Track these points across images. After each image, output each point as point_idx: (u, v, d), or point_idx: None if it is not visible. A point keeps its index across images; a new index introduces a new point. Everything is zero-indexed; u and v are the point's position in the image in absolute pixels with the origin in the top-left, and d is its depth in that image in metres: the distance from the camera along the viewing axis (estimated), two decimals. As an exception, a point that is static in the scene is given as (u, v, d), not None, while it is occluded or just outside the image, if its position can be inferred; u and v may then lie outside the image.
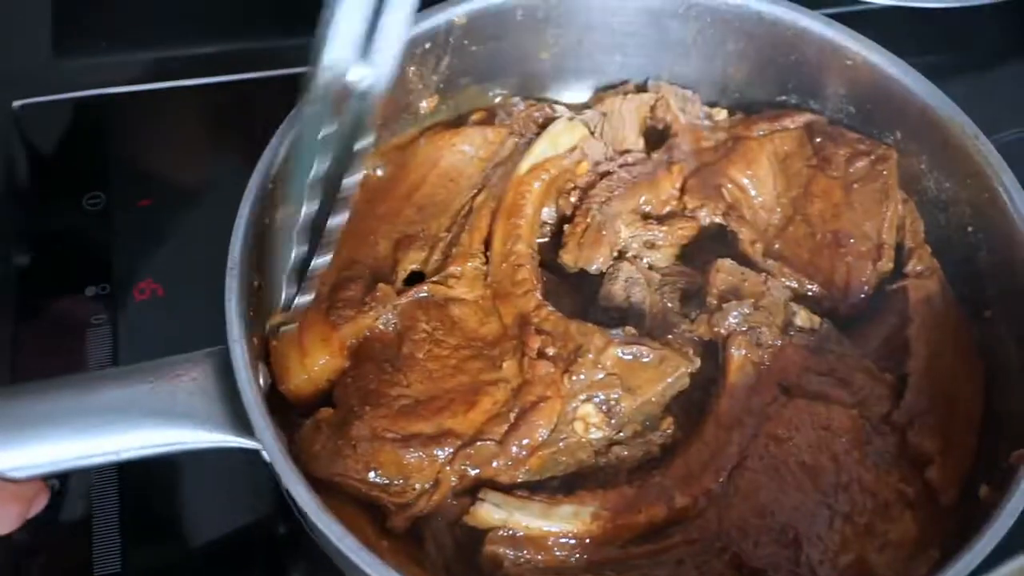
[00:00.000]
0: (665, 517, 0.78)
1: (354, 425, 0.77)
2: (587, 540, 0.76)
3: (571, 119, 0.92)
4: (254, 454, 0.81)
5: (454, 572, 0.77)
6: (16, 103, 1.09)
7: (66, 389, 0.73)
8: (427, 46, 0.90)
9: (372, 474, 0.76)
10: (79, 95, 1.10)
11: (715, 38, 0.96)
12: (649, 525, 0.77)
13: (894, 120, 0.92)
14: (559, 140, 0.91)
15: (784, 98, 0.98)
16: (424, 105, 0.94)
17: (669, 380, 0.79)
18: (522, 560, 0.75)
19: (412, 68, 0.91)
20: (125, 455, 0.72)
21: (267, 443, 0.71)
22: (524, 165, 0.89)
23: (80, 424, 0.71)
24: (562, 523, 0.76)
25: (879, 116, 0.93)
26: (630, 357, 0.79)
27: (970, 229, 0.89)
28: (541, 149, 0.90)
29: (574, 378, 0.79)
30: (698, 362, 0.81)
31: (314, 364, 0.80)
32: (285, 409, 0.80)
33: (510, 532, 0.76)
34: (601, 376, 0.79)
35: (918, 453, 0.82)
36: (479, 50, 0.94)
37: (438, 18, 0.90)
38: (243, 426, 0.72)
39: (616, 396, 0.78)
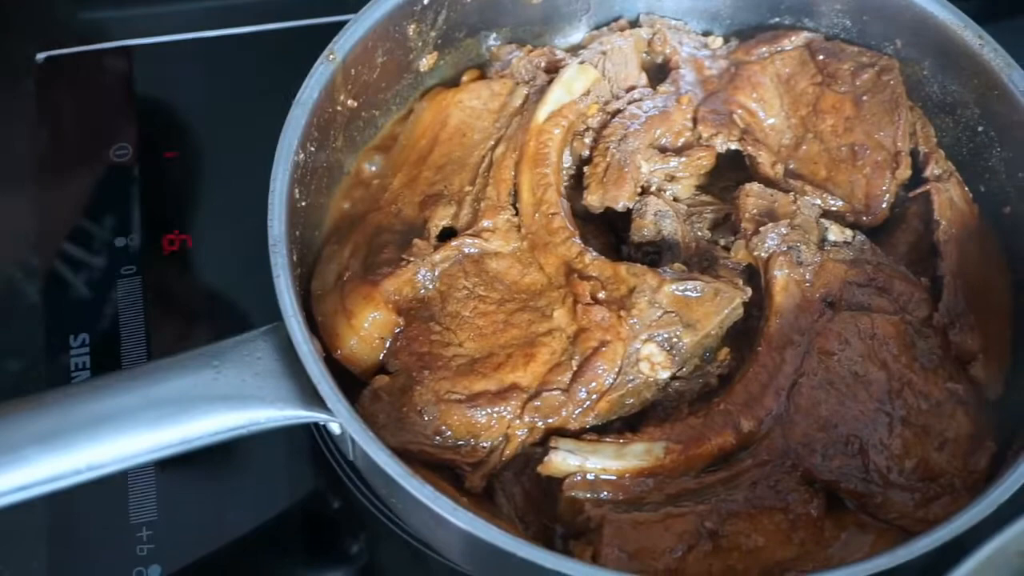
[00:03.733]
0: (734, 443, 0.78)
1: (415, 391, 0.76)
2: (661, 474, 0.77)
3: (582, 63, 0.91)
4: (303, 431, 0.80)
5: (527, 521, 0.77)
6: (40, 56, 1.07)
7: (130, 382, 0.71)
8: (425, 2, 0.89)
9: (441, 438, 0.76)
10: (102, 47, 1.08)
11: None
12: (719, 452, 0.78)
13: (893, 29, 0.93)
14: (573, 85, 0.90)
15: (777, 20, 0.98)
16: (424, 63, 0.93)
17: (726, 311, 0.80)
18: (601, 499, 0.75)
19: (412, 26, 0.89)
20: (199, 443, 0.70)
21: (341, 413, 0.70)
22: (541, 113, 0.88)
23: (151, 416, 0.69)
24: (635, 460, 0.76)
25: (877, 27, 0.94)
26: (684, 293, 0.79)
27: (980, 128, 0.90)
28: (556, 96, 0.89)
29: (632, 320, 0.78)
30: (749, 291, 0.81)
31: (362, 323, 0.79)
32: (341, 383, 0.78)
33: (586, 476, 0.75)
34: (659, 315, 0.79)
35: (961, 351, 0.83)
36: (472, 2, 0.92)
37: (434, -29, 0.88)
38: (313, 400, 0.71)
39: (678, 333, 0.78)
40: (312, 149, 0.81)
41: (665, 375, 0.78)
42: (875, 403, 0.80)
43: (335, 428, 0.73)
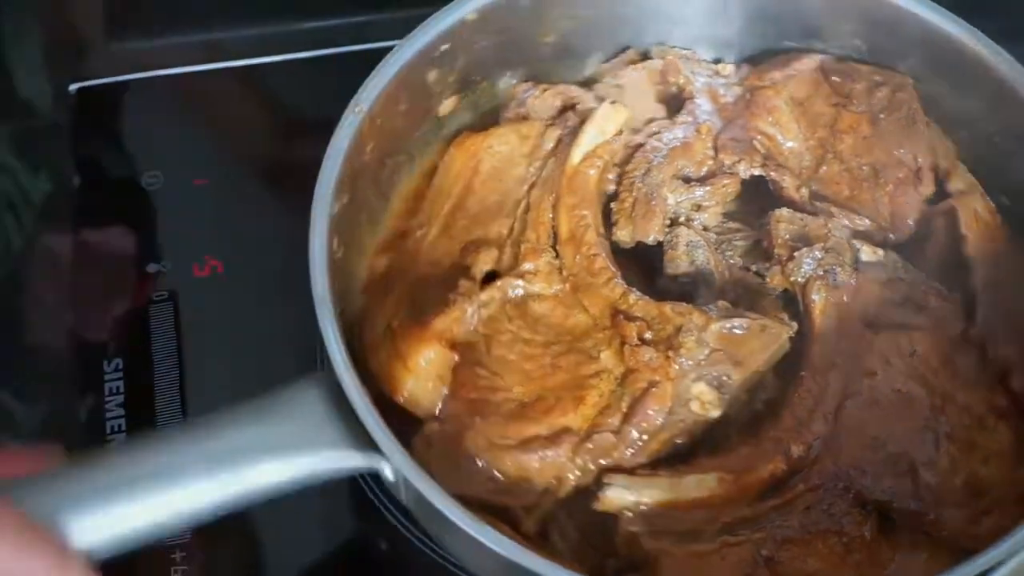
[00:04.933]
0: (785, 469, 0.78)
1: (467, 436, 0.77)
2: (716, 504, 0.77)
3: (613, 103, 0.92)
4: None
5: (583, 558, 0.77)
6: (73, 86, 1.09)
7: (188, 438, 0.71)
8: (444, 48, 0.89)
9: (495, 483, 0.76)
10: (133, 77, 1.10)
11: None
12: (771, 479, 0.78)
13: (905, 47, 0.94)
14: (606, 126, 0.90)
15: (787, 43, 0.99)
16: (444, 107, 0.93)
17: (774, 348, 0.80)
18: (658, 532, 0.75)
19: (432, 72, 0.89)
20: (260, 496, 0.70)
21: (396, 458, 0.70)
22: (576, 155, 0.89)
23: (212, 470, 0.69)
24: (690, 492, 0.76)
25: (889, 46, 0.95)
26: (731, 331, 0.80)
27: (997, 140, 0.91)
28: (590, 137, 0.90)
29: (681, 359, 0.78)
30: (795, 325, 0.82)
31: (418, 363, 0.79)
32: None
33: (641, 510, 0.75)
34: (707, 353, 0.79)
35: (999, 364, 0.84)
36: (487, 44, 0.92)
37: (452, 17, 0.88)
38: (364, 446, 0.72)
39: (727, 371, 0.79)
40: (345, 200, 0.82)
41: (716, 414, 0.78)
42: (920, 420, 0.80)
43: (388, 474, 0.73)
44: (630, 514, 0.75)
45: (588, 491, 0.77)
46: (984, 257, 0.87)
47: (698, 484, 0.77)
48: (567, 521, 0.77)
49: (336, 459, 0.72)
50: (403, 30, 0.87)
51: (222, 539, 0.86)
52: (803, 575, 0.75)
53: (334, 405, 0.73)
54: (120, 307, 0.97)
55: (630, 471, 0.77)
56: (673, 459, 0.79)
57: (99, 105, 1.09)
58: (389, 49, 0.85)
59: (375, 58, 0.85)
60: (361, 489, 0.88)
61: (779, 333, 0.80)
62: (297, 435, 0.72)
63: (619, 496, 0.75)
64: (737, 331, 0.80)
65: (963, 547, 0.76)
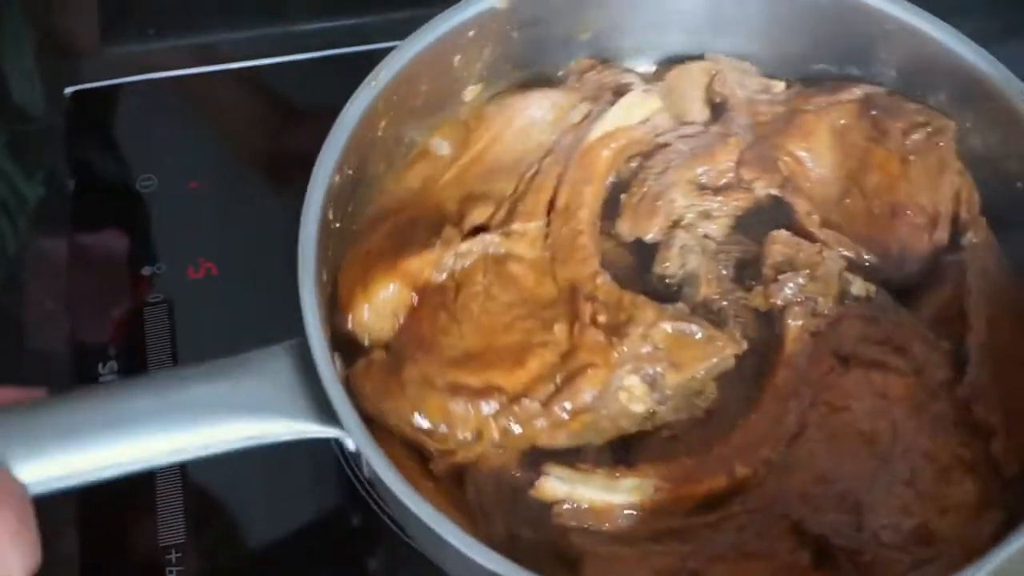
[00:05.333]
0: (726, 487, 0.79)
1: (405, 368, 0.80)
2: (649, 510, 0.78)
3: (646, 91, 0.93)
4: (323, 444, 0.84)
5: (491, 516, 0.79)
6: (68, 90, 1.12)
7: (153, 386, 0.75)
8: (471, 34, 0.91)
9: (418, 417, 0.79)
10: (129, 80, 1.13)
11: (756, 9, 0.97)
12: (710, 495, 0.79)
13: (937, 81, 0.92)
14: (633, 111, 0.92)
15: (823, 66, 0.98)
16: (468, 93, 0.95)
17: (714, 360, 0.81)
18: (587, 529, 0.77)
19: (457, 57, 0.92)
20: (215, 449, 0.74)
21: (353, 430, 0.73)
22: (595, 133, 0.91)
23: (171, 420, 0.73)
24: (625, 495, 0.78)
25: (921, 79, 0.93)
26: (679, 333, 0.81)
27: (1019, 184, 0.89)
28: (614, 118, 0.91)
29: (622, 348, 0.80)
30: (745, 344, 0.82)
31: (377, 294, 0.82)
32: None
33: (574, 505, 0.77)
34: (648, 349, 0.80)
35: (982, 427, 0.82)
36: (520, 35, 0.94)
37: (481, 4, 0.90)
38: (327, 416, 0.74)
39: (661, 371, 0.80)
40: (349, 172, 0.85)
41: (640, 408, 0.80)
42: (877, 461, 0.80)
43: (350, 445, 0.76)
44: (564, 507, 0.77)
45: (512, 466, 0.79)
46: (985, 316, 0.85)
47: (634, 488, 0.78)
48: (488, 480, 0.79)
49: (296, 425, 0.75)
50: (401, 32, 0.88)
51: (219, 540, 0.90)
52: (728, 595, 0.76)
53: (302, 372, 0.76)
54: (115, 310, 0.99)
55: (556, 453, 0.79)
56: (615, 461, 0.81)
57: (93, 108, 1.12)
58: (388, 51, 0.87)
59: (373, 60, 0.87)
60: (344, 469, 0.92)
61: (724, 347, 0.81)
62: (259, 397, 0.75)
63: (553, 486, 0.77)
64: (683, 335, 0.80)
65: (899, 593, 0.76)
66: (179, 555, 0.87)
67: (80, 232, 1.04)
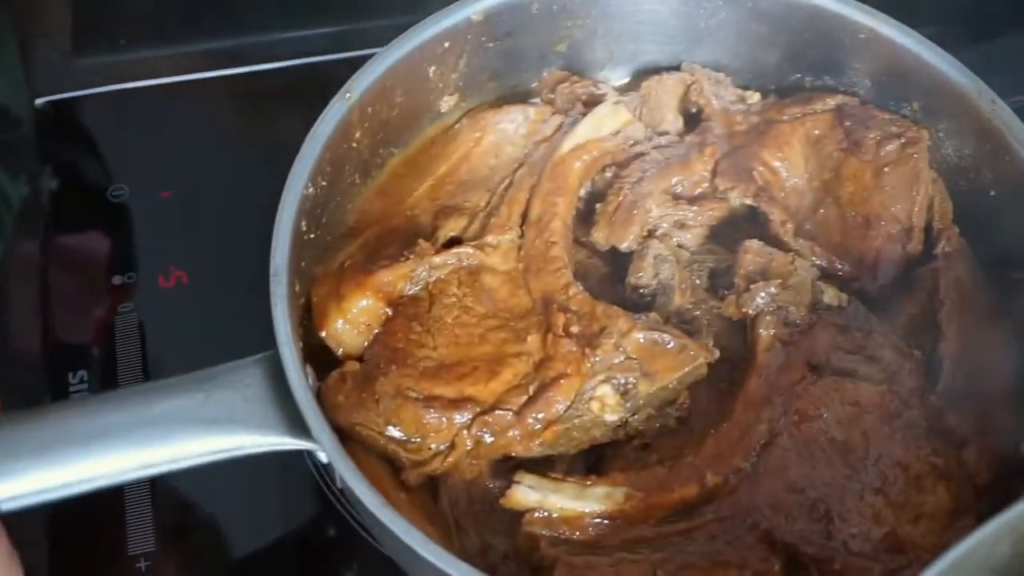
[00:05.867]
0: (697, 495, 0.79)
1: (378, 380, 0.80)
2: (620, 519, 0.78)
3: (616, 103, 0.94)
4: (297, 457, 0.84)
5: (465, 527, 0.80)
6: (39, 101, 1.13)
7: (123, 401, 0.76)
8: (446, 45, 0.92)
9: (391, 429, 0.79)
10: (99, 91, 1.14)
11: (729, 20, 0.98)
12: (681, 503, 0.79)
13: (910, 92, 0.93)
14: (603, 123, 0.93)
15: (799, 76, 0.99)
16: (444, 104, 0.96)
17: (687, 369, 0.81)
18: (558, 538, 0.77)
19: (432, 68, 0.93)
20: (185, 463, 0.74)
21: (324, 443, 0.73)
22: (567, 145, 0.91)
23: (141, 435, 0.73)
24: (596, 503, 0.78)
25: (895, 89, 0.94)
26: (651, 343, 0.81)
27: (992, 193, 0.89)
28: (584, 130, 0.92)
29: (594, 358, 0.80)
30: (717, 353, 0.83)
31: (351, 308, 0.83)
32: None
33: (545, 513, 0.78)
34: (621, 359, 0.81)
35: (955, 435, 0.82)
36: (496, 47, 0.95)
37: (456, 16, 0.91)
38: (299, 428, 0.75)
39: (633, 380, 0.80)
40: (324, 184, 0.85)
41: (613, 418, 0.80)
42: (849, 470, 0.80)
43: (322, 457, 0.76)
44: (535, 515, 0.78)
45: (484, 477, 0.80)
46: (957, 326, 0.86)
47: (605, 496, 0.78)
48: (461, 490, 0.80)
49: (267, 437, 0.75)
50: (376, 42, 0.89)
51: (189, 546, 0.90)
52: (698, 602, 0.76)
53: (274, 385, 0.76)
54: (85, 319, 1.00)
55: (530, 463, 0.79)
56: (587, 470, 0.81)
57: (65, 119, 1.13)
58: (363, 59, 0.88)
59: (349, 68, 0.87)
60: (315, 478, 0.92)
61: (696, 356, 0.81)
62: (232, 410, 0.75)
63: (524, 494, 0.78)
64: (656, 345, 0.81)
65: (871, 601, 0.76)
66: (148, 563, 0.88)
67: (51, 241, 1.05)
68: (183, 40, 1.18)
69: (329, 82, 0.86)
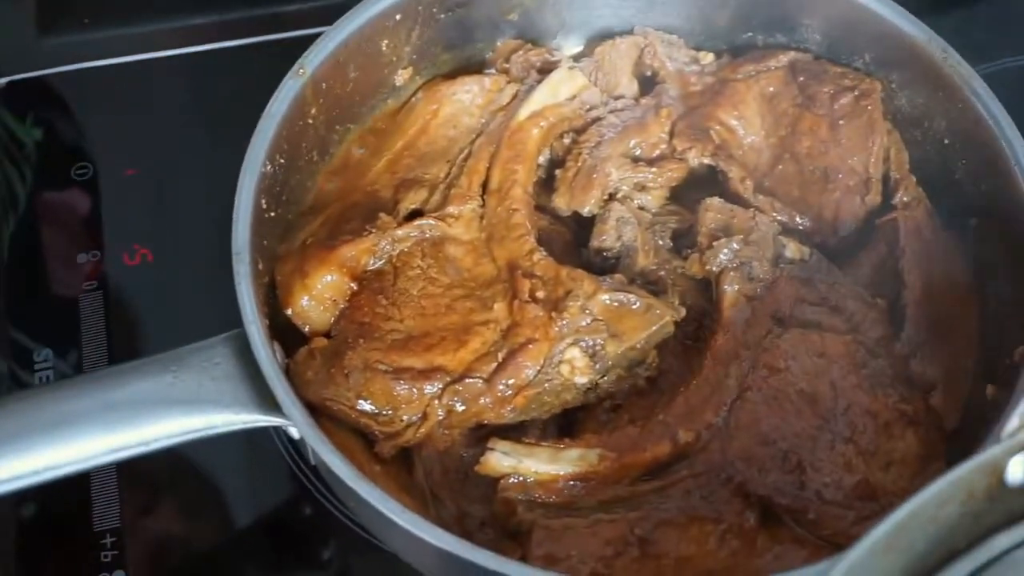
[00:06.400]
0: (670, 453, 0.80)
1: (347, 355, 0.80)
2: (595, 480, 0.78)
3: (571, 68, 0.94)
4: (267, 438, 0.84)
5: (441, 496, 0.80)
6: (2, 80, 1.12)
7: (90, 386, 0.75)
8: (397, 18, 0.91)
9: (362, 402, 0.79)
10: (64, 70, 1.13)
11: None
12: (655, 462, 0.80)
13: (861, 44, 0.94)
14: (559, 89, 0.93)
15: (750, 34, 0.99)
16: (400, 77, 0.96)
17: (653, 328, 0.81)
18: (534, 502, 0.77)
19: (385, 41, 0.92)
20: (155, 445, 0.73)
21: (296, 418, 0.73)
22: (523, 112, 0.91)
23: (109, 419, 0.73)
24: (570, 466, 0.78)
25: (846, 42, 0.95)
26: (617, 304, 0.81)
27: (947, 141, 0.90)
28: (540, 96, 0.92)
29: (561, 322, 0.80)
30: (683, 311, 0.83)
31: (315, 284, 0.83)
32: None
33: (520, 479, 0.78)
34: (588, 321, 0.81)
35: (921, 382, 0.84)
36: (448, 17, 0.95)
37: (405, -13, 0.91)
38: (269, 405, 0.74)
39: (601, 341, 0.80)
40: (282, 161, 0.85)
41: (583, 380, 0.80)
42: (818, 420, 0.81)
43: (294, 433, 0.76)
44: (510, 480, 0.78)
45: (458, 446, 0.80)
46: (919, 274, 0.86)
47: (579, 458, 0.79)
48: (435, 460, 0.80)
49: (238, 415, 0.75)
50: (332, 18, 0.88)
51: (149, 516, 0.89)
52: (675, 557, 0.76)
53: (242, 363, 0.76)
54: (50, 297, 0.99)
55: (507, 434, 0.80)
56: (559, 433, 0.81)
57: (29, 98, 1.11)
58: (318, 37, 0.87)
59: (306, 45, 0.87)
60: (283, 453, 0.91)
61: (662, 315, 0.81)
62: (200, 390, 0.75)
63: (498, 461, 0.78)
64: (622, 306, 0.81)
65: (845, 548, 0.76)
66: (114, 539, 0.87)
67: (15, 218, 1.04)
68: (147, 19, 1.17)
69: (293, 58, 0.86)
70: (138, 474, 0.89)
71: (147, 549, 0.88)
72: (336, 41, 0.88)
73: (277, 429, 0.85)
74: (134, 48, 1.13)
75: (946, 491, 0.54)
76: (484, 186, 0.89)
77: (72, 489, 0.88)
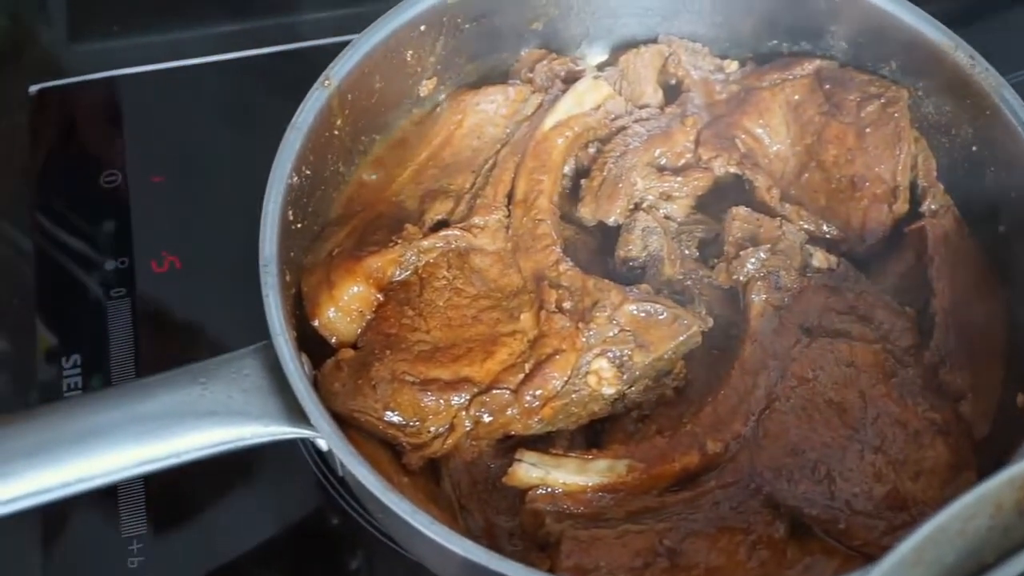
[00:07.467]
0: (698, 464, 0.79)
1: (374, 366, 0.80)
2: (624, 491, 0.78)
3: (596, 78, 0.94)
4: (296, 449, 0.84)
5: (468, 507, 0.80)
6: (33, 87, 1.13)
7: (120, 398, 0.76)
8: (422, 28, 0.92)
9: (389, 414, 0.79)
10: (93, 77, 1.13)
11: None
12: (683, 473, 0.79)
13: (887, 51, 0.93)
14: (584, 98, 0.93)
15: (775, 42, 0.99)
16: (424, 88, 0.96)
17: (681, 338, 0.81)
18: (562, 513, 0.77)
19: (410, 52, 0.92)
20: (185, 457, 0.74)
21: (325, 430, 0.73)
22: (548, 121, 0.91)
23: (139, 431, 0.73)
24: (598, 477, 0.78)
25: (872, 50, 0.94)
26: (644, 314, 0.81)
27: (975, 148, 0.90)
28: (566, 106, 0.92)
29: (588, 332, 0.80)
30: (711, 321, 0.83)
31: (342, 295, 0.83)
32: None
33: (548, 490, 0.78)
34: (615, 332, 0.81)
35: (950, 390, 0.83)
36: (472, 28, 0.95)
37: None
38: (297, 417, 0.75)
39: (628, 352, 0.80)
40: (308, 173, 0.85)
41: (610, 391, 0.80)
42: (847, 430, 0.80)
43: (322, 445, 0.76)
44: (539, 491, 0.78)
45: (485, 457, 0.80)
46: (948, 282, 0.86)
47: (607, 469, 0.78)
48: (463, 471, 0.80)
49: (267, 427, 0.75)
50: (359, 27, 0.89)
51: (176, 523, 0.90)
52: (705, 568, 0.76)
53: (270, 375, 0.76)
54: (79, 304, 1.00)
55: (528, 440, 0.80)
56: (587, 444, 0.81)
57: (58, 105, 1.12)
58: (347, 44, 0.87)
59: (334, 53, 0.87)
60: (311, 464, 0.92)
61: (690, 326, 0.81)
62: (230, 402, 0.75)
63: (526, 472, 0.78)
64: (649, 316, 0.81)
65: (875, 558, 0.76)
66: (141, 546, 0.87)
67: (44, 227, 1.04)
68: (176, 27, 1.18)
69: (323, 67, 0.86)
70: (166, 482, 0.89)
71: (174, 557, 0.88)
72: (362, 52, 0.88)
73: (304, 440, 0.85)
74: (163, 56, 1.14)
75: (974, 505, 0.54)
76: (509, 196, 0.89)
77: (99, 496, 0.87)
